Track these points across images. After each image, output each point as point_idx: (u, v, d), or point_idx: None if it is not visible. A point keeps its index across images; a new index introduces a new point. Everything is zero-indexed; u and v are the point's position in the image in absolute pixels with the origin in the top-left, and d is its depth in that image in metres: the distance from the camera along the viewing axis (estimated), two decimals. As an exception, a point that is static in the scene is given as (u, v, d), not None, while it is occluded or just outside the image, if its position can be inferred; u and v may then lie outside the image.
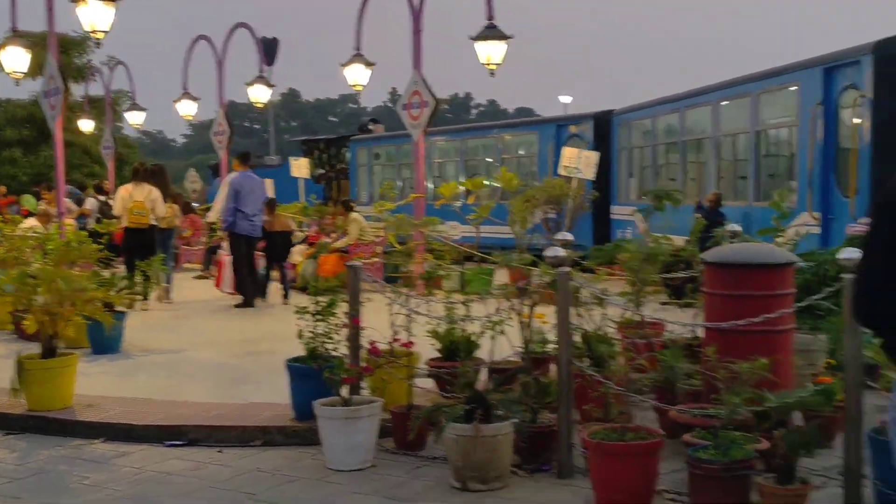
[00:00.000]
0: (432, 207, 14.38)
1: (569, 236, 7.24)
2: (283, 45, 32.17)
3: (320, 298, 6.38)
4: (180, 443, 6.43)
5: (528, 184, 16.82)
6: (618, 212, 17.19)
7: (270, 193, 19.62)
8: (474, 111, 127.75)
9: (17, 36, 14.59)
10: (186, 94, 19.57)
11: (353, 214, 14.78)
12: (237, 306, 12.37)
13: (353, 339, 6.33)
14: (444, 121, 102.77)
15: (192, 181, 31.87)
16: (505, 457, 5.43)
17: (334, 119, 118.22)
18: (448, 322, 6.91)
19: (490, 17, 12.74)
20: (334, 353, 6.39)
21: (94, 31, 10.76)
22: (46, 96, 12.23)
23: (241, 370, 8.41)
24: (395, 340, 6.25)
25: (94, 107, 27.76)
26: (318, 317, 6.38)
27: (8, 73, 14.83)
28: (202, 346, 9.68)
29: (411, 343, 6.30)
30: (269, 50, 61.89)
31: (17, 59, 14.37)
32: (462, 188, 13.73)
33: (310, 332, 6.21)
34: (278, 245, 13.34)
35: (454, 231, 12.49)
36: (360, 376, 5.96)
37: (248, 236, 12.40)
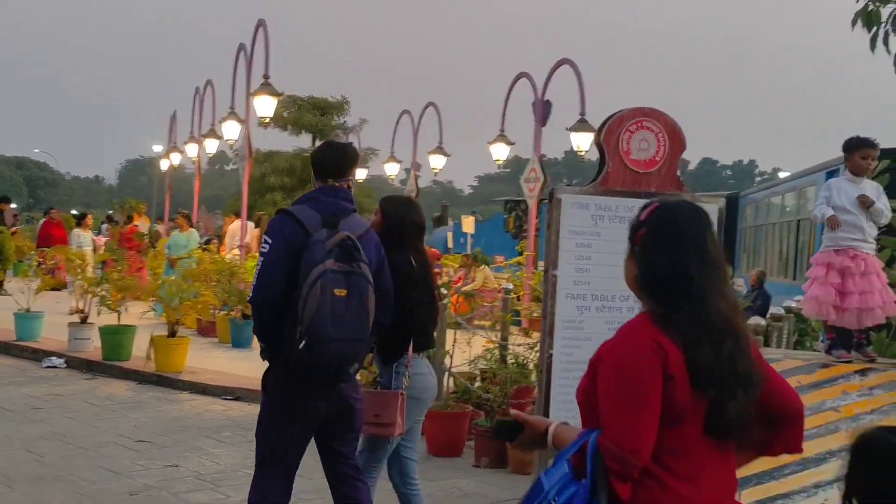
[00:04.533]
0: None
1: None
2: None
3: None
4: (230, 398, 9.98)
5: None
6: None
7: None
8: (757, 178, 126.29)
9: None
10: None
11: (482, 266, 18.01)
12: None
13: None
14: (727, 186, 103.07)
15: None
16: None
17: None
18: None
19: (582, 113, 15.68)
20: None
21: (261, 118, 14.79)
22: (241, 159, 16.20)
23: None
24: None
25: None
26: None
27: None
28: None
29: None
30: (543, 111, 65.57)
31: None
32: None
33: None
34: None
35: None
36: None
37: None
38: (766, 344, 6.78)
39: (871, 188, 5.61)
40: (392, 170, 24.49)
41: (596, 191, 5.88)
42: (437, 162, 21.56)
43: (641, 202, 5.91)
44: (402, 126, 23.46)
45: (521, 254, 28.55)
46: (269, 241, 4.26)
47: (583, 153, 15.82)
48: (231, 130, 16.96)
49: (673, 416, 2.47)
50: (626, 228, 6.12)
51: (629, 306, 5.89)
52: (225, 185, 73.03)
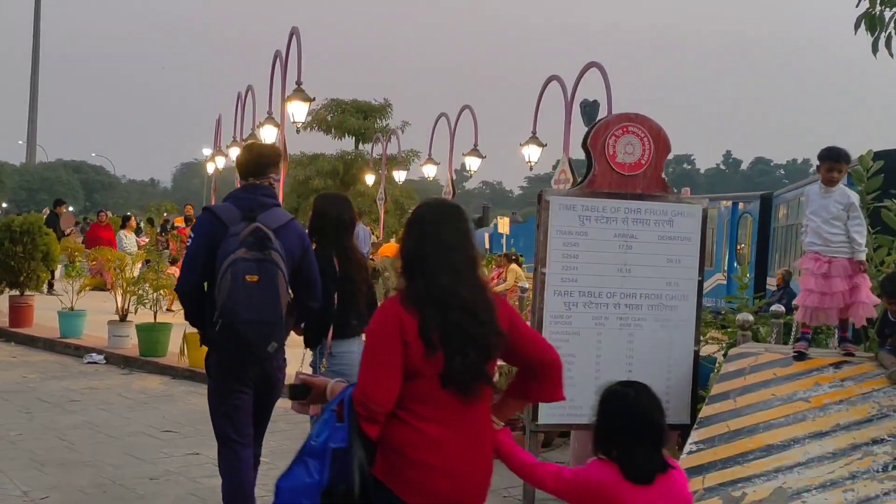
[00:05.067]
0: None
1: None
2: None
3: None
4: (258, 392, 10.41)
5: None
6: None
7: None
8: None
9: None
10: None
11: (513, 265, 18.31)
12: None
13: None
14: (780, 185, 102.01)
15: None
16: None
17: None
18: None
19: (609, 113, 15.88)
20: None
21: (295, 122, 15.24)
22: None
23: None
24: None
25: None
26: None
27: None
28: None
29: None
30: (589, 111, 64.98)
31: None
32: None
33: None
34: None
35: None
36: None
37: None
38: (755, 338, 6.98)
39: (839, 197, 5.81)
40: (430, 171, 24.89)
41: (583, 193, 6.20)
42: (472, 163, 21.91)
43: (627, 203, 6.21)
44: (446, 128, 23.71)
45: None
46: (192, 235, 4.83)
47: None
48: (269, 135, 17.44)
49: (412, 372, 3.09)
50: (612, 228, 6.38)
51: (615, 302, 6.23)
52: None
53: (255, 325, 4.55)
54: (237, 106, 23.16)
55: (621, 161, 6.22)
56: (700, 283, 6.34)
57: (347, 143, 37.42)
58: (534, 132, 18.62)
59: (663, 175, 6.37)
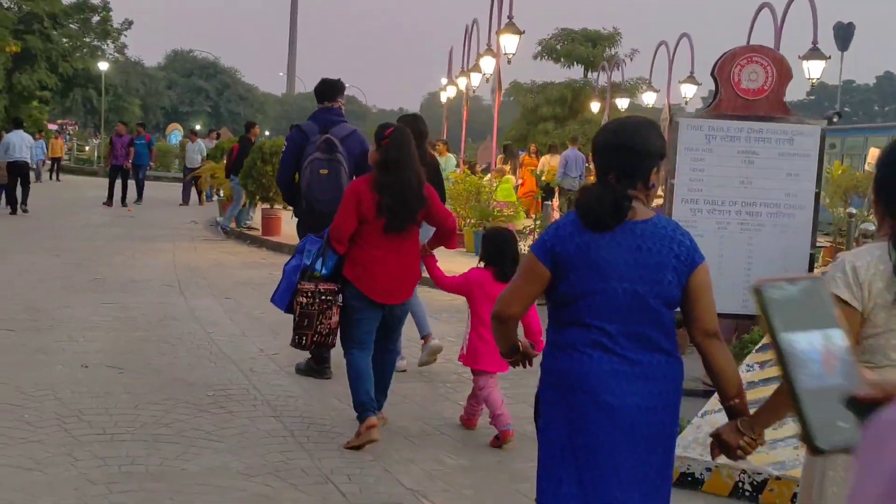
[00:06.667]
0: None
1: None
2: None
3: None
4: (460, 292, 12.02)
5: None
6: None
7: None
8: None
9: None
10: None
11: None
12: None
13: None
14: None
15: None
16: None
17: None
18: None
19: (814, 41, 16.13)
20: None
21: (506, 54, 16.47)
22: (492, 91, 17.98)
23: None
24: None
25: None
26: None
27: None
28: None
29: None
30: (843, 34, 61.07)
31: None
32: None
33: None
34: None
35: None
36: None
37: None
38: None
39: None
40: (650, 99, 25.52)
41: (709, 115, 7.21)
42: (688, 91, 22.39)
43: (750, 124, 7.20)
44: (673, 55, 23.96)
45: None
46: (287, 144, 7.06)
47: (814, 81, 16.25)
48: (488, 65, 18.86)
49: (363, 220, 5.44)
50: (736, 146, 7.42)
51: (737, 210, 7.25)
52: (509, 116, 75.79)
53: (325, 202, 6.52)
54: (465, 38, 24.67)
55: (745, 87, 7.15)
56: (817, 195, 7.20)
57: (577, 72, 38.19)
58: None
59: (784, 100, 7.22)
